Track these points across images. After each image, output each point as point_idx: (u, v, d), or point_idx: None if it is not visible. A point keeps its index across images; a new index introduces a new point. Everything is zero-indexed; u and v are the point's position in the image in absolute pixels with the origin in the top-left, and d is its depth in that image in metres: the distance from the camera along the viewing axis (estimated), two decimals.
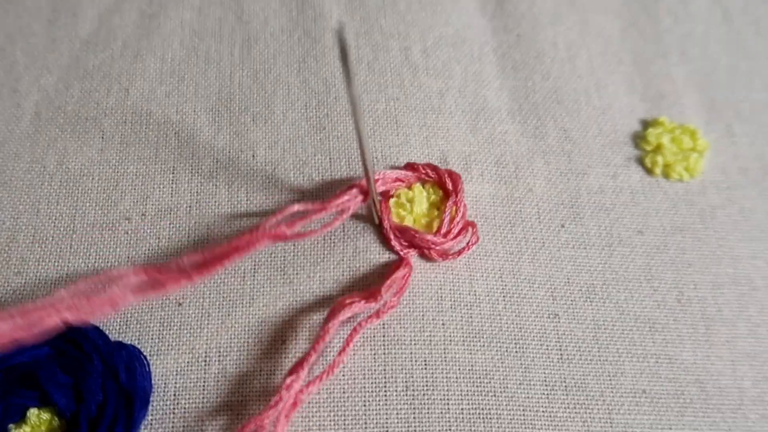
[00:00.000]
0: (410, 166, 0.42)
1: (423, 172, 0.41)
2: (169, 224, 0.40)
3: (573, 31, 0.50)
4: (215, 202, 0.41)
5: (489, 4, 0.51)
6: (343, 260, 0.40)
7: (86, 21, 0.48)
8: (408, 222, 0.40)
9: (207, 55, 0.47)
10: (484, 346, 0.38)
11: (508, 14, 0.51)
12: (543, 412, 0.36)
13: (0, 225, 0.40)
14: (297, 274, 0.39)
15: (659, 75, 0.49)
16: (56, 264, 0.39)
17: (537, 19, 0.50)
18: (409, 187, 0.42)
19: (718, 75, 0.49)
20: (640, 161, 0.45)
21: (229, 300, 0.38)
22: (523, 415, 0.36)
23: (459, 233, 0.40)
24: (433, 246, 0.39)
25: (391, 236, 0.40)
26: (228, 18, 0.49)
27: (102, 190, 0.41)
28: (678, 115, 0.47)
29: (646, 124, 0.46)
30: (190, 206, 0.41)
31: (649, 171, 0.45)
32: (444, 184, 0.41)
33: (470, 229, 0.40)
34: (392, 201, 0.41)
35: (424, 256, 0.40)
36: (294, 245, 0.40)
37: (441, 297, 0.39)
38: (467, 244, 0.40)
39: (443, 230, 0.40)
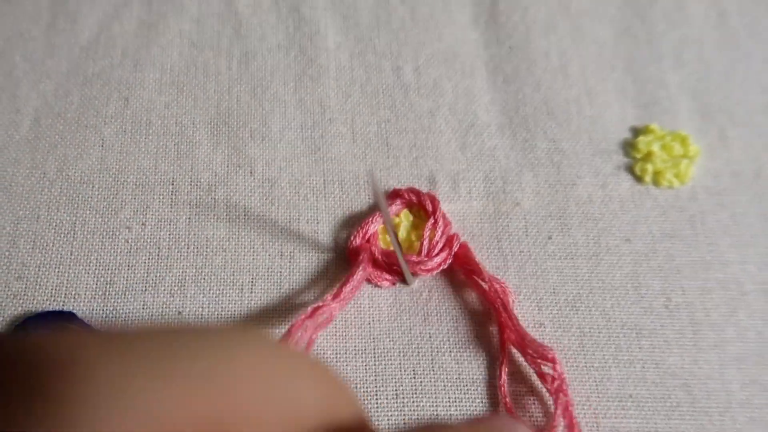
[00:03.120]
0: (396, 193, 0.42)
1: (407, 198, 0.42)
2: (169, 235, 0.41)
3: (565, 40, 0.50)
4: (214, 215, 0.42)
5: (481, 17, 0.51)
6: (337, 278, 0.40)
7: (86, 28, 0.48)
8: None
9: (206, 68, 0.47)
10: (471, 356, 0.38)
11: (501, 26, 0.50)
12: (529, 418, 0.37)
13: (0, 230, 0.40)
14: (293, 288, 0.40)
15: (652, 81, 0.48)
16: (57, 270, 0.39)
17: (530, 29, 0.50)
18: (397, 214, 0.42)
19: (713, 79, 0.49)
20: (630, 169, 0.45)
21: (228, 311, 0.39)
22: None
23: (442, 250, 0.40)
24: (415, 267, 0.40)
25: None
26: (226, 31, 0.49)
27: (102, 198, 0.42)
28: (671, 120, 0.47)
29: (636, 132, 0.46)
30: (189, 218, 0.42)
31: (638, 179, 0.44)
32: (425, 208, 0.42)
33: (456, 242, 0.40)
34: (379, 228, 0.42)
35: (414, 274, 0.40)
36: (290, 262, 0.41)
37: (427, 312, 0.40)
38: (452, 254, 0.40)
39: (424, 252, 0.40)
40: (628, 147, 0.46)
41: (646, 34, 0.50)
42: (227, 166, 0.44)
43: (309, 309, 0.36)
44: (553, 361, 0.36)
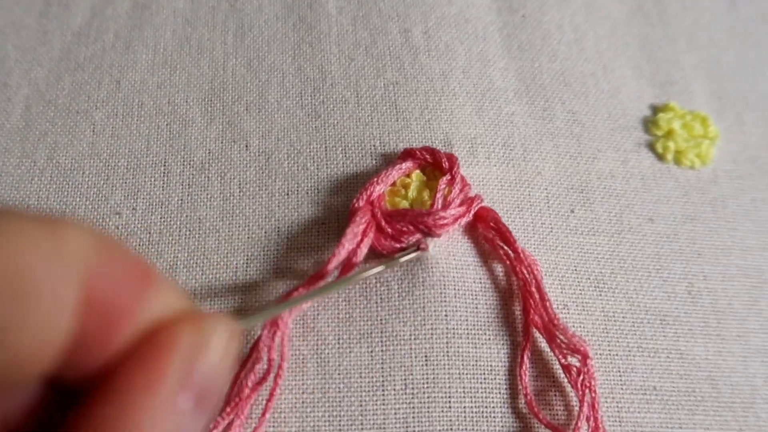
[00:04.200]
0: (408, 153, 0.40)
1: (421, 157, 0.39)
2: (160, 218, 0.39)
3: (579, 14, 0.49)
4: (207, 194, 0.40)
5: None
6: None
7: (78, 13, 0.47)
8: (403, 207, 0.38)
9: (200, 44, 0.46)
10: (489, 339, 0.36)
11: None
12: (549, 411, 0.35)
13: None
14: (290, 267, 0.38)
15: (667, 61, 0.48)
16: None
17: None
18: (408, 175, 0.40)
19: (727, 63, 0.48)
20: (651, 147, 0.44)
21: (221, 295, 0.37)
22: (530, 413, 0.34)
23: (459, 207, 0.37)
24: (426, 219, 0.35)
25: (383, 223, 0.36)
26: (221, 6, 0.48)
27: (92, 184, 0.41)
28: (687, 102, 0.46)
29: (656, 109, 0.45)
30: (181, 199, 0.40)
31: (660, 157, 0.43)
32: (442, 167, 0.39)
33: (477, 202, 0.37)
34: (387, 189, 0.39)
35: (428, 234, 0.36)
36: (287, 238, 0.39)
37: (444, 286, 0.37)
38: (471, 210, 0.37)
39: (437, 206, 0.36)
40: (649, 124, 0.45)
41: (659, 14, 0.50)
42: (221, 143, 0.42)
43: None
44: (585, 355, 0.33)
